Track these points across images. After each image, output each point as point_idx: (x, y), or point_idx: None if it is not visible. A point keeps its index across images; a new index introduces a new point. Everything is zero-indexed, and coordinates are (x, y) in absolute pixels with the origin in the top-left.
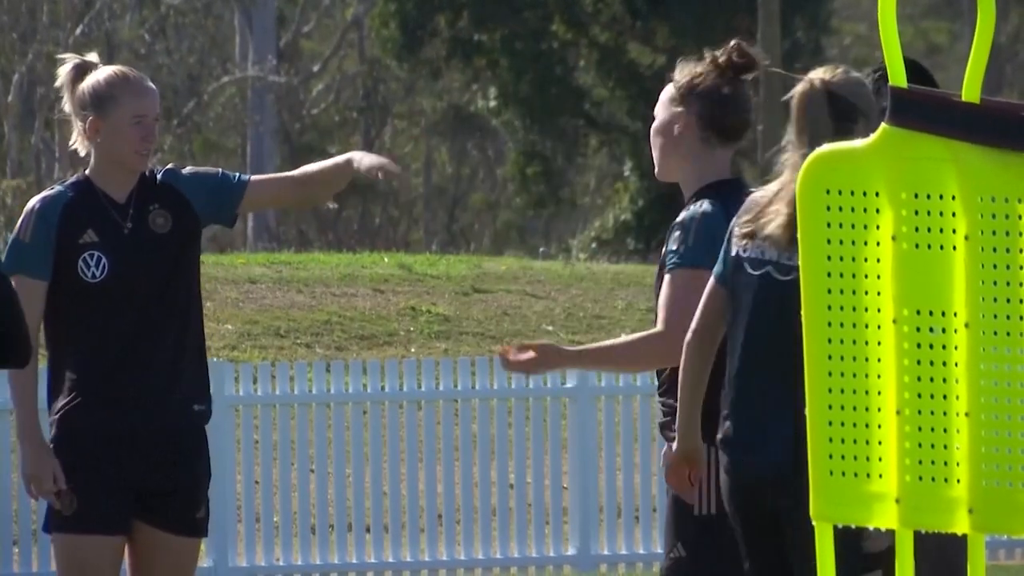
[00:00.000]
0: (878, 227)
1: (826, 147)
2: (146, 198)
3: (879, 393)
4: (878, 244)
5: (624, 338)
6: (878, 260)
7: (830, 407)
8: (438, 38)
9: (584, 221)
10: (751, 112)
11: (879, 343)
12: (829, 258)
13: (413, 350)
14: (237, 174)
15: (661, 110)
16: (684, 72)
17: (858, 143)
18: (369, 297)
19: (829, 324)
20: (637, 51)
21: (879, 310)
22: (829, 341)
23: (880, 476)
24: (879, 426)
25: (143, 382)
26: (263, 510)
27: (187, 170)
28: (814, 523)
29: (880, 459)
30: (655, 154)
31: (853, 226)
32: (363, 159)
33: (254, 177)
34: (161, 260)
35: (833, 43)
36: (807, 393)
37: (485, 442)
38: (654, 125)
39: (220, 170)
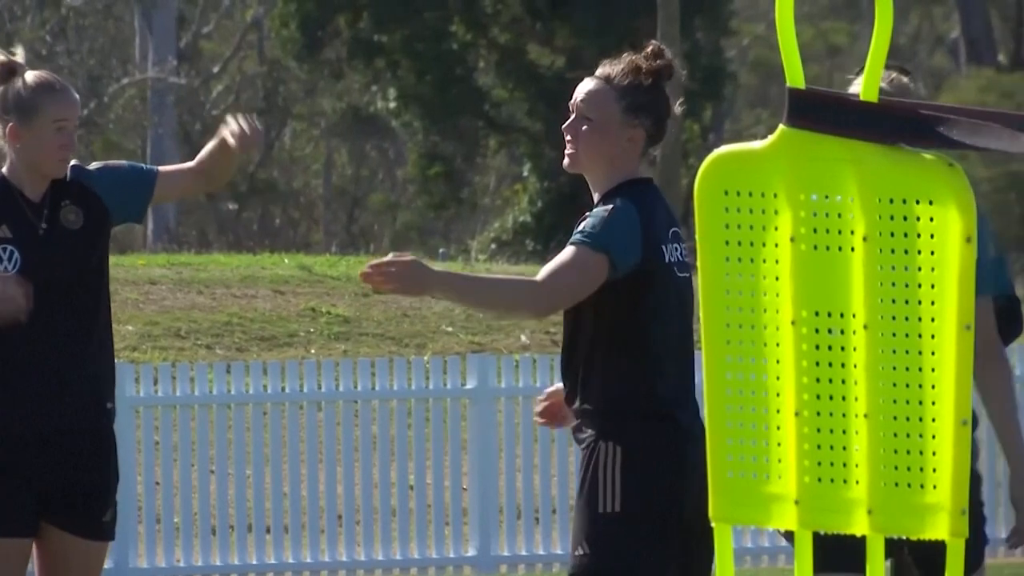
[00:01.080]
0: (777, 228)
1: (724, 148)
2: (59, 195)
3: (777, 394)
4: (776, 245)
5: (496, 275)
6: (777, 261)
7: (728, 408)
8: (338, 39)
9: (484, 222)
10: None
11: (777, 344)
12: (727, 259)
13: (313, 351)
14: (144, 166)
15: (600, 110)
16: (625, 80)
17: (756, 144)
18: (269, 298)
19: (727, 325)
20: (537, 52)
21: (777, 311)
22: (727, 342)
23: (779, 477)
24: (778, 427)
25: (51, 380)
26: (163, 511)
27: (95, 166)
28: (714, 524)
29: (779, 460)
30: (579, 146)
31: (752, 227)
32: (230, 132)
33: (161, 169)
34: (72, 256)
35: (732, 43)
36: (705, 394)
37: (385, 443)
38: (592, 123)
39: (127, 163)
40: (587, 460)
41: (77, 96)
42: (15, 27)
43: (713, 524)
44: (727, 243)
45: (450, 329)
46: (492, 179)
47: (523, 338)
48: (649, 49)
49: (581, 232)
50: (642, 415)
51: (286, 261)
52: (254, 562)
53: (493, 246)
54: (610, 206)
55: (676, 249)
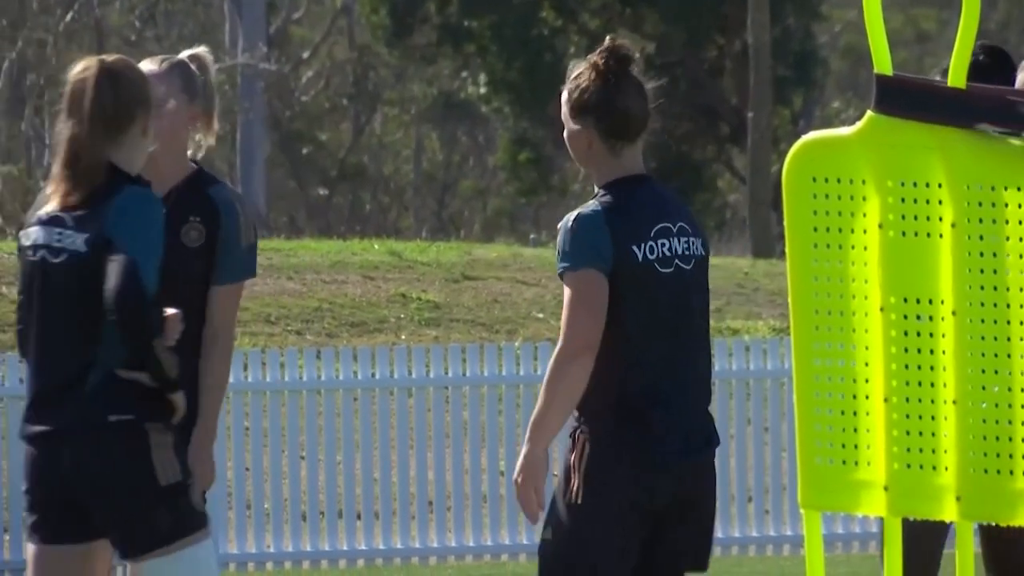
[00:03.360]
0: (865, 215)
1: (812, 135)
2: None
3: (866, 381)
4: (865, 232)
5: (544, 387)
6: (865, 248)
7: (817, 394)
8: (428, 24)
9: (574, 208)
10: (647, 102)
11: (866, 331)
12: (815, 246)
13: (403, 337)
14: None
15: (562, 119)
16: (571, 84)
17: (844, 130)
18: (359, 284)
19: (816, 312)
20: (626, 37)
21: (866, 298)
22: (816, 329)
23: (868, 464)
24: (867, 414)
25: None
26: (254, 497)
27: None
28: (803, 511)
29: (868, 447)
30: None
31: (840, 213)
32: None
33: None
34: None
35: (823, 30)
36: (794, 381)
37: (476, 429)
38: (564, 134)
39: None
40: (565, 452)
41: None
42: (104, 12)
43: (802, 510)
44: (815, 230)
45: (541, 315)
46: None
47: None
48: (603, 44)
49: (560, 257)
50: (611, 412)
51: (376, 247)
52: (344, 548)
53: None
54: (573, 216)
55: (663, 245)
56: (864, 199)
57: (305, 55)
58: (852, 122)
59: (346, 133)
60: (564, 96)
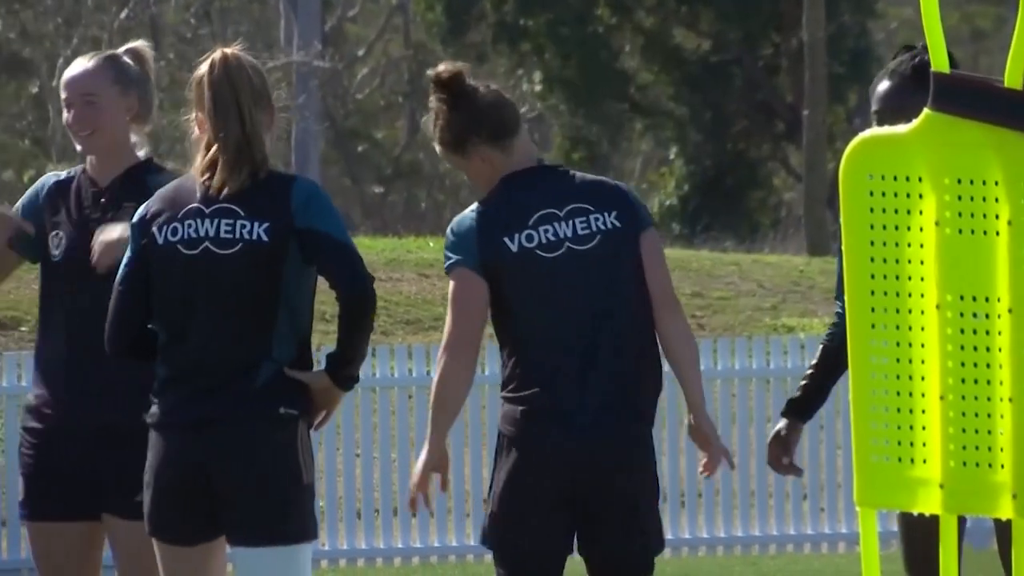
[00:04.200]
0: (921, 212)
1: (868, 132)
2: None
3: (922, 378)
4: (921, 229)
5: (434, 391)
6: (921, 245)
7: (872, 392)
8: (483, 22)
9: None
10: (496, 95)
11: (922, 328)
12: (872, 243)
13: None
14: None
15: (461, 164)
16: (436, 134)
17: (901, 128)
18: (414, 282)
19: (872, 309)
20: (682, 35)
21: (922, 295)
22: (872, 326)
23: (924, 461)
24: (923, 411)
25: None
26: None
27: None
28: (858, 508)
29: (924, 444)
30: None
31: (896, 211)
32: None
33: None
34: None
35: (879, 27)
36: (850, 378)
37: None
38: (467, 172)
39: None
40: None
41: (80, 71)
42: (159, 9)
43: (858, 508)
44: (871, 227)
45: None
46: (637, 163)
47: None
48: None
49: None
50: (508, 400)
51: (431, 244)
52: (400, 546)
53: None
54: (453, 220)
55: (547, 231)
56: (921, 197)
57: (360, 53)
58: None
59: (401, 131)
60: (439, 148)
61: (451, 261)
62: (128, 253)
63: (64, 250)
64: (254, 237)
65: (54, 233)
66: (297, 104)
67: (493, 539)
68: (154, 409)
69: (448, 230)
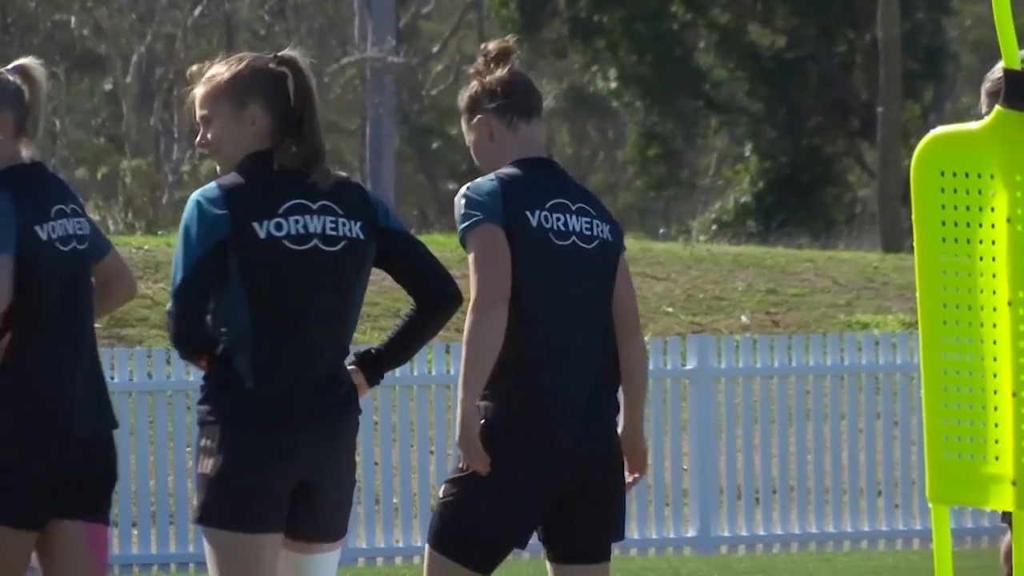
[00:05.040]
0: (993, 209)
1: (940, 129)
2: None
3: (995, 375)
4: (993, 226)
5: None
6: (993, 242)
7: (944, 388)
8: (558, 19)
9: (704, 202)
10: (532, 83)
11: (994, 325)
12: (943, 240)
13: None
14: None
15: (466, 131)
16: (463, 97)
17: (973, 125)
18: None
19: (943, 306)
20: (757, 32)
21: (994, 292)
22: (944, 323)
23: (996, 458)
24: (995, 408)
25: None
26: (383, 492)
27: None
28: (931, 505)
29: (996, 441)
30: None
31: (968, 208)
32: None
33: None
34: None
35: (953, 24)
36: (922, 375)
37: None
38: (468, 142)
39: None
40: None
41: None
42: (234, 6)
43: (930, 505)
44: (943, 224)
45: (670, 310)
46: (712, 160)
47: (743, 318)
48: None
49: (459, 222)
50: (506, 375)
51: None
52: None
53: (714, 227)
54: (466, 185)
55: (559, 219)
56: (992, 193)
57: (434, 49)
58: (982, 117)
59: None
60: (463, 113)
61: (476, 218)
62: (198, 250)
63: None
64: (353, 235)
65: None
66: (371, 101)
67: (461, 524)
68: (237, 406)
69: (464, 194)
